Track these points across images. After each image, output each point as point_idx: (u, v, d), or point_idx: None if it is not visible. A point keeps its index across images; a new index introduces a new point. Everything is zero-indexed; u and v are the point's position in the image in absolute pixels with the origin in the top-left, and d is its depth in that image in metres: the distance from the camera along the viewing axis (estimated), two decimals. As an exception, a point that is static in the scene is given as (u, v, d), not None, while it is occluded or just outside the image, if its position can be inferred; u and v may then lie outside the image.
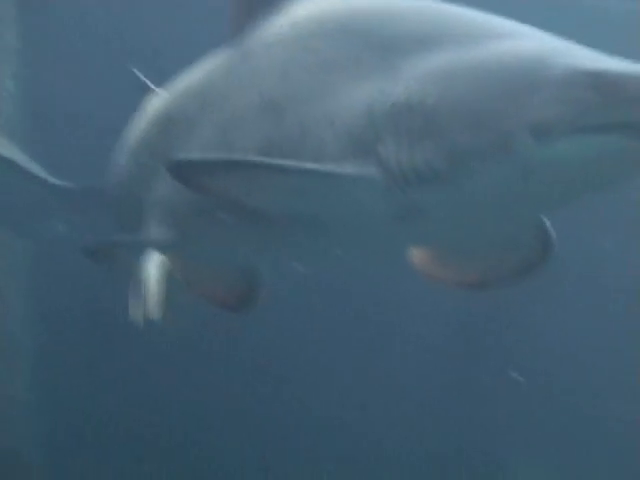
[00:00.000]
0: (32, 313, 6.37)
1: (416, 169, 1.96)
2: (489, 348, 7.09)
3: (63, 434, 6.57)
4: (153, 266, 2.57)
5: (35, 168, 4.25)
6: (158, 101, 2.86)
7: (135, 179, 2.75)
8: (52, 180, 4.39)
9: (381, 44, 2.15)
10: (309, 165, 2.00)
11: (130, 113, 3.00)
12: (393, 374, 7.07)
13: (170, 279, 2.61)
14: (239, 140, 2.29)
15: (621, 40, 3.51)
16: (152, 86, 2.97)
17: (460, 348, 7.04)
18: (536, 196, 2.02)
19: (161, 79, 2.93)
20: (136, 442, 6.81)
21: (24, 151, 4.98)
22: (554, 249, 2.26)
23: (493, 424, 7.20)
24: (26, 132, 6.14)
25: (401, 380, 7.10)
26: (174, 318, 3.00)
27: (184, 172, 2.09)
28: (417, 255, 2.39)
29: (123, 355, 6.43)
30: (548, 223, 2.30)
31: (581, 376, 6.77)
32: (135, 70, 3.10)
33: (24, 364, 6.38)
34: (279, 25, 2.43)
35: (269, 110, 2.24)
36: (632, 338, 6.70)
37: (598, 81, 1.82)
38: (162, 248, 2.57)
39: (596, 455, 6.91)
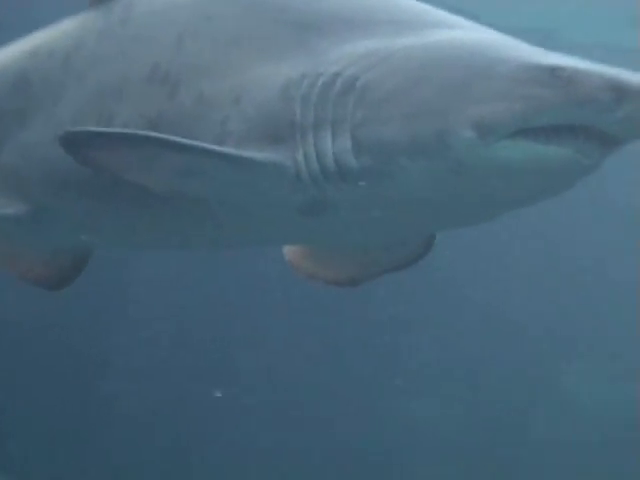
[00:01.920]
0: None
1: (336, 161, 1.74)
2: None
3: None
4: None
5: None
6: (6, 58, 2.49)
7: None
8: None
9: (300, 20, 1.91)
10: (208, 145, 1.74)
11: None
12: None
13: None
14: (122, 112, 2.02)
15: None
16: None
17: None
18: (465, 202, 1.79)
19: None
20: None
21: None
22: (429, 252, 2.15)
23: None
24: None
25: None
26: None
27: (77, 143, 1.84)
28: (291, 251, 2.22)
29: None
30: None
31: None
32: None
33: None
34: None
35: (160, 81, 1.98)
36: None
37: (554, 77, 1.62)
38: (6, 223, 2.26)
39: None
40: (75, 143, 1.86)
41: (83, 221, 2.21)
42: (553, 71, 1.65)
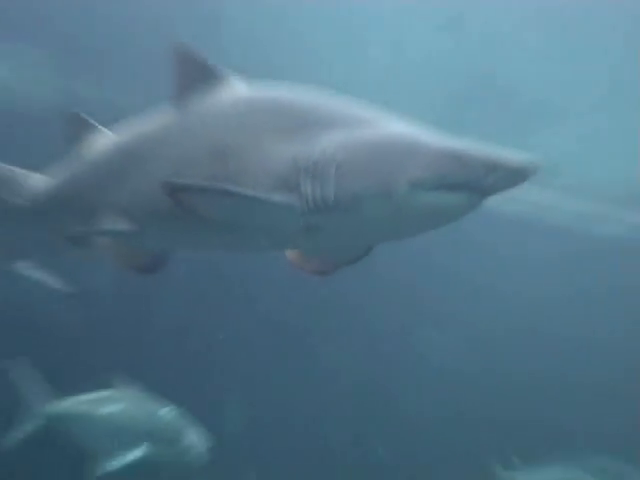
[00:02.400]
0: None
1: (324, 202, 2.82)
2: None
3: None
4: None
5: None
6: (116, 138, 3.64)
7: (95, 192, 3.51)
8: None
9: (301, 119, 3.00)
10: (250, 192, 2.82)
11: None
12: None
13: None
14: (190, 175, 3.07)
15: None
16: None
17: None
18: (398, 227, 2.91)
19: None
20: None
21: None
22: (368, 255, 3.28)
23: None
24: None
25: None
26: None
27: (175, 191, 2.85)
28: (291, 253, 3.35)
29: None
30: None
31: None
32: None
33: None
34: (223, 96, 3.28)
35: (216, 156, 3.05)
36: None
37: (453, 157, 2.71)
38: (120, 236, 3.43)
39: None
40: (172, 189, 2.83)
41: (164, 236, 3.35)
42: (453, 152, 2.71)
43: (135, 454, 5.42)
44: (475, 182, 2.69)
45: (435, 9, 9.15)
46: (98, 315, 7.43)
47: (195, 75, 3.31)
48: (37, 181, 3.86)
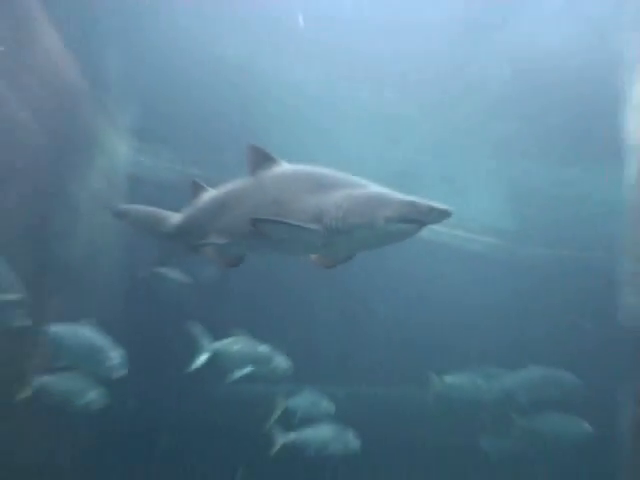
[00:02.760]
0: None
1: (337, 230, 4.48)
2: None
3: None
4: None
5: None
6: (216, 193, 5.43)
7: (206, 222, 5.29)
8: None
9: (320, 184, 4.68)
10: (296, 223, 4.51)
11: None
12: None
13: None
14: (262, 214, 4.66)
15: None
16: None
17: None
18: (376, 243, 4.57)
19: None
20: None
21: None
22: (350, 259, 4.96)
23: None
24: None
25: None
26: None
27: (258, 222, 4.55)
28: (313, 256, 5.02)
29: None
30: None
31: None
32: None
33: None
34: (276, 170, 4.98)
35: (275, 203, 4.72)
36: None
37: (411, 205, 4.35)
38: (220, 246, 5.20)
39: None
40: (255, 221, 4.53)
41: (244, 246, 5.11)
42: (410, 202, 4.36)
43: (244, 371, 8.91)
44: (421, 218, 4.35)
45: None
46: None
47: (261, 160, 5.01)
48: (173, 218, 5.68)
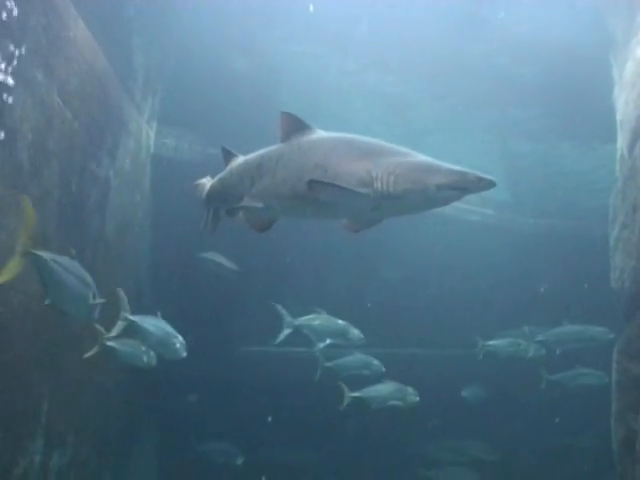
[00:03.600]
0: None
1: (387, 194, 4.46)
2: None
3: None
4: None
5: None
6: (250, 158, 5.36)
7: (241, 185, 5.25)
8: None
9: (363, 149, 4.68)
10: (348, 187, 4.48)
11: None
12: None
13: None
14: (303, 178, 4.66)
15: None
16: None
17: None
18: (422, 208, 4.63)
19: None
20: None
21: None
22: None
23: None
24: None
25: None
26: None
27: (313, 185, 4.51)
28: (344, 221, 5.02)
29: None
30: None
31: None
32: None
33: None
34: (314, 136, 4.94)
35: (320, 167, 4.66)
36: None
37: (461, 173, 4.44)
38: (256, 210, 5.10)
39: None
40: (311, 183, 4.50)
41: (282, 209, 5.03)
42: (461, 171, 4.45)
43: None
44: (469, 187, 4.46)
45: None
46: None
47: (295, 126, 4.99)
48: (206, 184, 5.75)
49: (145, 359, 8.34)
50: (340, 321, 10.26)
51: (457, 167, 4.55)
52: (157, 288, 11.21)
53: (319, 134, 5.01)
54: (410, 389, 10.59)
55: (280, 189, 4.90)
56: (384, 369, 10.66)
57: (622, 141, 9.29)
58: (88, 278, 6.71)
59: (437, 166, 4.52)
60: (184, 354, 8.56)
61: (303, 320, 9.99)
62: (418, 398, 10.55)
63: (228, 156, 5.71)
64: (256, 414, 11.81)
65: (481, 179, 4.49)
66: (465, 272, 12.85)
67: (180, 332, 8.66)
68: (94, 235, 9.10)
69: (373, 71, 11.29)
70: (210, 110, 11.19)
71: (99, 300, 6.76)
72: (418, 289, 12.65)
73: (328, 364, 10.56)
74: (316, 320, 10.12)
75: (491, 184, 4.51)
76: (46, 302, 6.11)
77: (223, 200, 5.56)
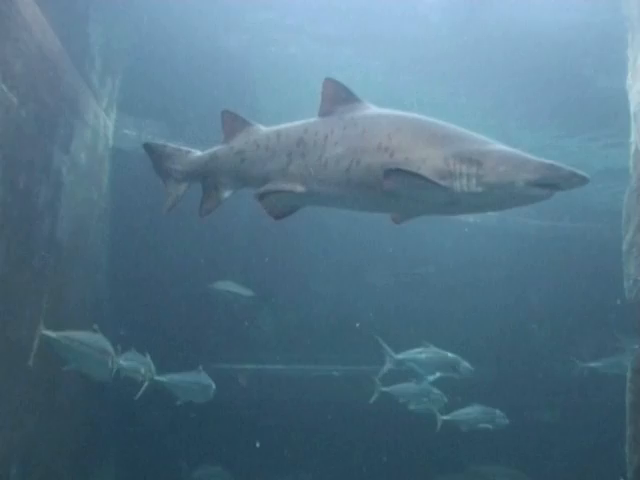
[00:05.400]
0: None
1: (468, 188, 4.12)
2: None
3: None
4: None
5: None
6: (281, 129, 4.82)
7: (268, 162, 4.76)
8: None
9: (434, 134, 4.30)
10: (433, 179, 4.11)
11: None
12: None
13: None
14: (365, 160, 4.31)
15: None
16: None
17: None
18: (505, 206, 4.34)
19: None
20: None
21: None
22: None
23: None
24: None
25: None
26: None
27: (391, 174, 4.10)
28: (393, 215, 4.72)
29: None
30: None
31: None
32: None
33: None
34: (368, 111, 4.60)
35: (383, 150, 4.25)
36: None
37: (554, 168, 4.11)
38: (293, 195, 4.61)
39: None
40: (388, 171, 4.11)
41: (323, 196, 4.53)
42: (553, 165, 4.12)
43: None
44: (560, 183, 4.12)
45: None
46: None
47: (341, 97, 4.60)
48: (195, 155, 5.08)
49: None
50: (450, 354, 10.37)
51: (548, 160, 4.21)
52: (117, 298, 10.79)
53: (373, 109, 4.61)
54: (498, 412, 10.73)
55: (330, 172, 4.43)
56: (446, 400, 10.61)
57: (636, 135, 9.00)
58: (107, 346, 7.93)
59: (526, 158, 4.20)
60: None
61: (408, 354, 10.19)
62: (508, 421, 10.77)
63: (235, 123, 5.02)
64: (229, 436, 11.53)
65: (574, 174, 4.15)
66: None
67: (144, 348, 8.52)
68: (44, 238, 8.52)
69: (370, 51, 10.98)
70: (176, 98, 10.92)
71: (117, 364, 8.00)
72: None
73: (385, 389, 10.48)
74: (422, 353, 10.26)
75: (584, 181, 4.18)
76: (64, 368, 7.46)
77: (237, 177, 4.92)
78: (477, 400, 10.92)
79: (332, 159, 4.41)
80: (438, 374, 10.24)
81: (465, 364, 10.37)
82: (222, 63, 10.66)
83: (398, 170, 4.07)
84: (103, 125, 10.64)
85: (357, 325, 11.53)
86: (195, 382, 9.84)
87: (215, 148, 5.06)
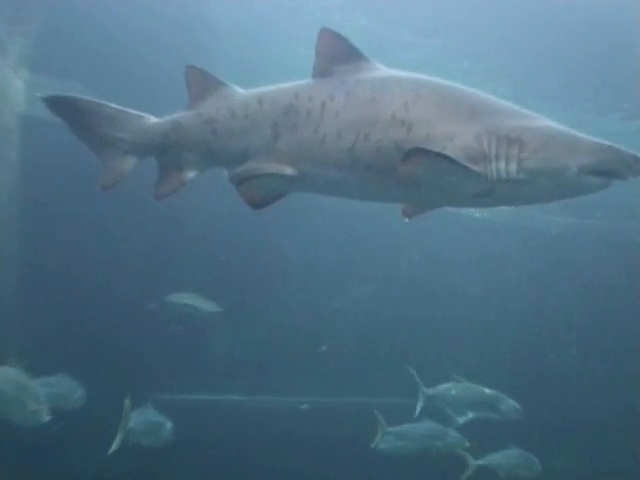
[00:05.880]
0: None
1: (507, 175, 3.59)
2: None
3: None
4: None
5: None
6: (265, 93, 4.14)
7: (247, 137, 4.10)
8: None
9: (461, 103, 3.77)
10: (464, 162, 3.54)
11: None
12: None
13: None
14: (374, 135, 3.73)
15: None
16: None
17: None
18: (551, 198, 3.82)
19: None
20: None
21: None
22: None
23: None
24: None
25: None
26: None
27: (416, 154, 3.54)
28: (405, 207, 4.18)
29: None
30: None
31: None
32: None
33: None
34: (375, 75, 3.95)
35: (399, 123, 3.70)
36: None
37: (614, 151, 3.65)
38: (283, 180, 4.01)
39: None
40: (409, 154, 3.54)
41: (322, 182, 3.93)
42: (610, 147, 3.64)
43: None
44: (622, 170, 3.61)
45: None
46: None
47: (343, 54, 3.97)
48: (149, 122, 4.30)
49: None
50: (487, 390, 9.50)
51: (606, 142, 3.71)
52: (27, 305, 9.42)
53: (383, 69, 4.01)
54: (535, 458, 9.90)
55: (329, 150, 3.81)
56: (467, 444, 9.72)
57: None
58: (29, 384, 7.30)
59: (578, 137, 3.69)
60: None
61: (439, 389, 9.41)
62: (541, 467, 9.95)
63: (204, 83, 4.29)
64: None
65: (637, 159, 3.66)
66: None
67: (65, 374, 8.07)
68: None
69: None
70: (104, 56, 9.63)
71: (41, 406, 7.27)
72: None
73: (391, 429, 9.54)
74: (453, 389, 9.46)
75: None
76: None
77: (206, 153, 4.22)
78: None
79: (332, 134, 3.83)
80: (471, 415, 9.32)
81: (509, 402, 9.42)
82: (164, 14, 9.74)
83: (421, 150, 3.55)
84: (10, 86, 9.57)
85: (337, 343, 10.62)
86: (145, 421, 8.66)
87: (177, 115, 4.30)
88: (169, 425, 8.76)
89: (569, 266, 11.78)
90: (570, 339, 11.57)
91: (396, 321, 11.27)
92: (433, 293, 11.57)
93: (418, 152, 3.49)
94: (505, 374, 10.97)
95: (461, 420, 9.25)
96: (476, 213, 12.19)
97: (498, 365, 11.17)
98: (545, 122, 3.73)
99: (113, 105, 4.29)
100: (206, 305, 10.08)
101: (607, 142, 3.66)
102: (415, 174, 3.57)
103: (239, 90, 4.20)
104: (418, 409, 9.24)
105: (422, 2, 10.19)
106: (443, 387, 9.39)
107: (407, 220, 4.12)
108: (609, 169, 3.61)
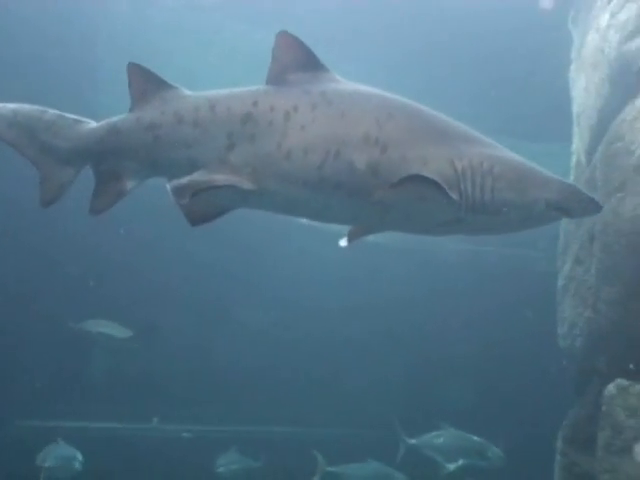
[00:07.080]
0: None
1: (480, 204, 3.68)
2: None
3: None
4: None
5: None
6: (225, 96, 3.96)
7: (210, 142, 3.89)
8: None
9: (432, 126, 3.81)
10: (442, 186, 3.53)
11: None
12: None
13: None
14: (346, 152, 3.66)
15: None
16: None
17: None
18: (515, 228, 3.95)
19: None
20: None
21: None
22: None
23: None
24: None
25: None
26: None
27: (407, 183, 3.55)
28: (352, 230, 4.14)
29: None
30: None
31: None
32: None
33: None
34: (342, 90, 3.87)
35: (373, 143, 3.66)
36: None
37: (574, 191, 3.94)
38: (238, 193, 3.80)
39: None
40: (403, 183, 3.53)
41: (281, 199, 3.78)
42: (573, 188, 3.96)
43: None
44: (575, 209, 3.88)
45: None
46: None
47: (298, 61, 3.84)
48: (87, 127, 4.09)
49: None
50: (475, 437, 9.70)
51: (565, 180, 4.01)
52: None
53: (345, 83, 3.90)
54: None
55: (295, 167, 3.66)
56: None
57: (579, 142, 8.29)
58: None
59: (546, 175, 3.86)
60: None
61: (425, 439, 9.72)
62: None
63: (146, 83, 4.03)
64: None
65: (592, 201, 3.95)
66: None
67: None
68: None
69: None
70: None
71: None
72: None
73: (331, 469, 9.63)
74: (440, 437, 9.68)
75: (598, 209, 4.01)
76: None
77: (147, 161, 3.98)
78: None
79: (298, 149, 3.67)
80: (461, 461, 9.58)
81: (494, 449, 9.68)
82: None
83: (419, 178, 3.52)
84: None
85: (220, 370, 10.59)
86: (58, 455, 8.92)
87: (116, 118, 4.06)
88: (80, 457, 8.88)
89: (459, 293, 11.69)
90: (453, 368, 11.55)
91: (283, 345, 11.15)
92: (329, 313, 11.44)
93: (415, 179, 3.47)
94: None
95: (451, 467, 9.50)
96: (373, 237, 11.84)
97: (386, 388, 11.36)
98: (508, 152, 3.83)
99: (51, 110, 4.11)
100: (119, 332, 10.12)
101: (570, 182, 4.11)
102: (394, 199, 3.56)
103: (187, 93, 4.00)
104: (397, 459, 9.75)
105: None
106: (430, 435, 9.73)
107: (344, 245, 4.09)
108: (568, 207, 3.83)
